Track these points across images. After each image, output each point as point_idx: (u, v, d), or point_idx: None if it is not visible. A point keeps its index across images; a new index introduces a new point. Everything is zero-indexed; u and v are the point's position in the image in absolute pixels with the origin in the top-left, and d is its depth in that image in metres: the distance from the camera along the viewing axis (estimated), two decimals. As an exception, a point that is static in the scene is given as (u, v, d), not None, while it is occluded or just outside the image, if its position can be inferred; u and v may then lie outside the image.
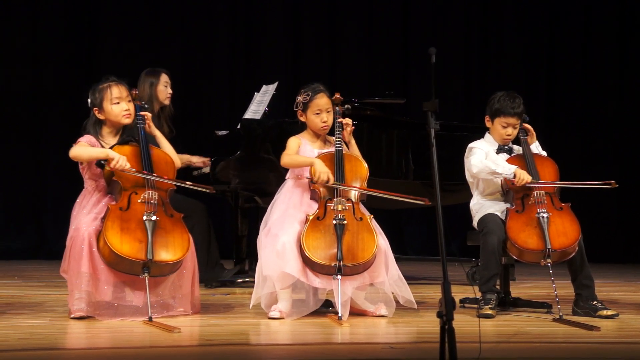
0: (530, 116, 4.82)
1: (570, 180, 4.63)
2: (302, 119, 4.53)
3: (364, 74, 8.67)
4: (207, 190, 4.32)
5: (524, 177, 4.43)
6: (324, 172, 4.34)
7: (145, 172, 4.26)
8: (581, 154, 8.81)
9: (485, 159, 4.58)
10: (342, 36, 8.77)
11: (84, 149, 4.29)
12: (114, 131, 4.40)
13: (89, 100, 4.39)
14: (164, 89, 5.58)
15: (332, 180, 4.34)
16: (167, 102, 5.59)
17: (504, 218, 4.49)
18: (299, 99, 4.50)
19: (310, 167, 4.39)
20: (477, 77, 8.93)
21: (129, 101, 4.38)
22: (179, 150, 4.65)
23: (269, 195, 4.64)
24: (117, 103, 4.35)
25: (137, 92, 4.49)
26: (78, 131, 4.44)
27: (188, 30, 8.51)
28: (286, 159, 4.48)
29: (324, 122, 4.48)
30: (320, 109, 4.47)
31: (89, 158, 4.28)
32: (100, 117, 4.37)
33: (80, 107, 7.84)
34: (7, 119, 8.11)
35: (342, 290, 4.14)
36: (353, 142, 4.56)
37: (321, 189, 4.38)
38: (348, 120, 4.51)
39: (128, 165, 4.20)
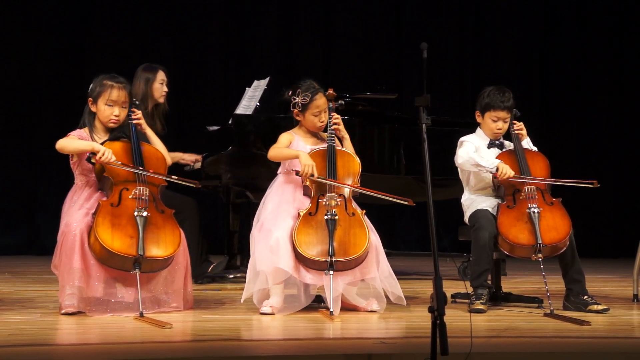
0: (525, 111, 4.82)
1: (563, 174, 4.64)
2: (299, 118, 4.52)
3: (356, 69, 8.66)
4: (193, 185, 4.31)
5: (507, 171, 4.45)
6: (308, 164, 4.33)
7: (131, 165, 4.25)
8: (575, 149, 8.83)
9: (475, 152, 4.59)
10: (335, 31, 8.77)
11: (70, 141, 4.28)
12: (105, 127, 4.39)
13: (90, 87, 4.38)
14: (159, 87, 5.51)
15: (316, 174, 4.34)
16: (161, 100, 5.52)
17: (495, 213, 4.50)
18: (298, 99, 4.46)
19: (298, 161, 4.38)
20: (470, 72, 8.93)
21: (124, 107, 4.36)
22: (170, 148, 4.64)
23: (260, 191, 4.64)
24: (110, 106, 4.33)
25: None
26: (70, 125, 4.43)
27: (181, 24, 8.49)
28: (272, 151, 4.47)
29: (321, 122, 4.48)
30: (319, 110, 4.47)
31: (74, 150, 4.27)
32: (92, 109, 4.37)
33: (73, 102, 7.87)
34: None
35: (333, 286, 4.14)
36: (347, 137, 4.55)
37: (313, 185, 4.38)
38: (337, 120, 4.48)
39: (114, 158, 4.19)
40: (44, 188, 8.08)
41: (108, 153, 4.18)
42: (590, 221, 8.43)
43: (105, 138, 4.34)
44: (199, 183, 4.36)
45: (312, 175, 4.33)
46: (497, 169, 4.46)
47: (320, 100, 4.47)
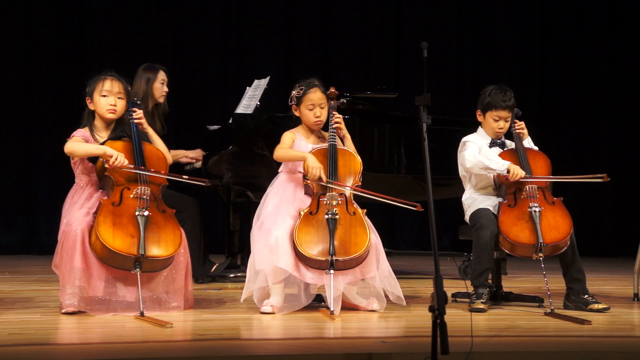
0: (523, 109, 4.82)
1: (562, 173, 4.65)
2: (297, 113, 4.53)
3: (356, 68, 8.67)
4: (202, 183, 4.33)
5: (518, 172, 4.44)
6: (316, 167, 4.34)
7: (142, 167, 4.25)
8: (574, 147, 8.83)
9: (479, 153, 4.59)
10: (334, 30, 8.76)
11: (79, 145, 4.27)
12: (106, 125, 4.39)
13: (86, 90, 4.40)
14: (160, 87, 5.52)
15: (325, 178, 4.34)
16: (161, 100, 5.53)
17: (496, 212, 4.50)
18: (293, 93, 4.50)
19: (303, 162, 4.38)
20: (469, 71, 8.93)
21: (120, 98, 4.36)
22: (169, 147, 4.64)
23: (260, 190, 4.64)
24: (105, 96, 4.34)
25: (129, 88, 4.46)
26: (69, 123, 4.43)
27: (180, 23, 8.49)
28: (279, 152, 4.47)
29: (317, 117, 4.48)
30: (313, 104, 4.46)
31: (85, 154, 4.27)
32: (91, 107, 4.38)
33: (71, 99, 7.87)
34: (-2, 111, 8.10)
35: (334, 285, 4.14)
36: (348, 136, 4.55)
37: (315, 184, 4.38)
38: (339, 119, 4.48)
39: (126, 162, 4.19)
40: (43, 185, 8.07)
41: (120, 157, 4.18)
42: (591, 220, 8.43)
43: (106, 137, 4.34)
44: (209, 181, 4.38)
45: (320, 178, 4.33)
46: (508, 171, 4.45)
47: (315, 95, 4.46)
